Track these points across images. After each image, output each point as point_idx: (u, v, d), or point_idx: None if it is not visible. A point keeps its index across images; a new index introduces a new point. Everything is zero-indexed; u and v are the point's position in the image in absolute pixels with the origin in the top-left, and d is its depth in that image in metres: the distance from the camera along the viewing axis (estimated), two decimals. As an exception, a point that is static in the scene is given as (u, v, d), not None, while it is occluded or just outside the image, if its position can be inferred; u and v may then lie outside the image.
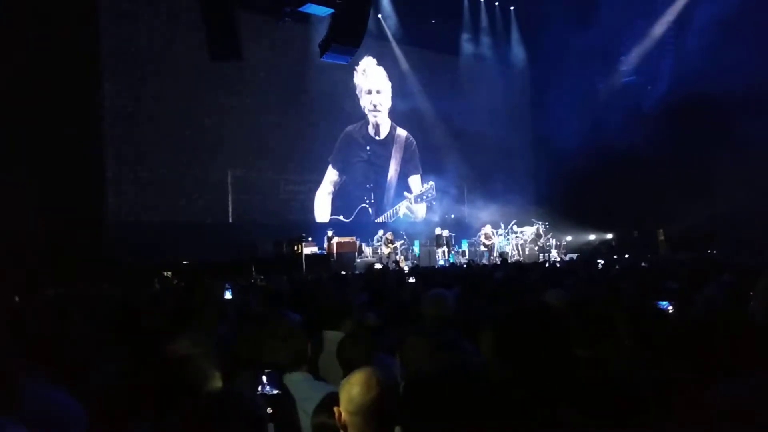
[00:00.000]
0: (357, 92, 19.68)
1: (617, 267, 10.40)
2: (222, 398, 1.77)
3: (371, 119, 19.98)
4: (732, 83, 14.62)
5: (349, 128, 19.49)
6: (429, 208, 20.46)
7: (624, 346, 2.56)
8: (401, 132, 20.63)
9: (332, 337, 3.63)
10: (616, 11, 17.65)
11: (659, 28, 19.44)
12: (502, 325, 1.90)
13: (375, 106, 19.97)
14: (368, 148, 19.94)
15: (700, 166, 17.67)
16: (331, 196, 18.78)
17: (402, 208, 20.34)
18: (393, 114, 20.45)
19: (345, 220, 18.77)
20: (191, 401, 1.75)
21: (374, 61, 19.72)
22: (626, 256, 15.50)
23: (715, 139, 16.99)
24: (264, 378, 2.42)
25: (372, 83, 19.84)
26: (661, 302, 3.58)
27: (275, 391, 2.42)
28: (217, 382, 2.54)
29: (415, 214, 20.41)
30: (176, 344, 2.55)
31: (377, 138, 20.16)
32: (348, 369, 2.81)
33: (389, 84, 20.30)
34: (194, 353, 2.51)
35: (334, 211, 18.80)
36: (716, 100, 15.56)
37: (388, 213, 20.11)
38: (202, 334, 2.71)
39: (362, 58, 18.24)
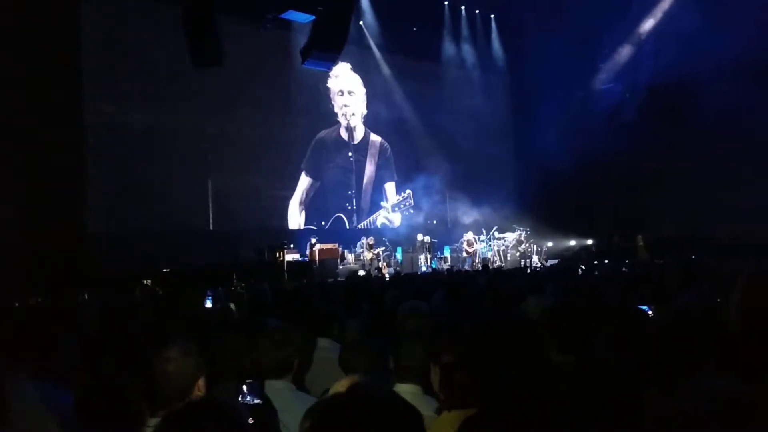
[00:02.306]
0: (330, 96, 19.65)
1: (596, 273, 10.48)
2: (204, 406, 1.76)
3: (343, 121, 19.90)
4: (710, 90, 14.82)
5: (322, 134, 19.38)
6: (406, 217, 20.41)
7: (603, 351, 2.58)
8: (375, 138, 20.60)
9: (324, 344, 3.64)
10: (595, 19, 17.84)
11: (637, 35, 19.71)
12: (464, 344, 1.90)
13: (346, 105, 19.89)
14: (342, 153, 19.86)
15: (678, 172, 17.90)
16: (304, 205, 18.67)
17: (380, 217, 20.32)
18: (374, 120, 20.44)
19: (314, 228, 18.57)
20: (174, 409, 1.74)
21: (348, 66, 19.71)
22: (606, 261, 15.62)
23: (694, 146, 17.23)
24: (245, 387, 2.40)
25: (343, 84, 19.80)
26: (641, 306, 3.62)
27: (256, 401, 2.41)
28: (201, 391, 2.53)
29: (392, 223, 20.40)
30: (165, 352, 2.54)
31: (351, 143, 20.12)
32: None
33: (363, 89, 20.25)
34: (183, 362, 2.50)
35: (309, 219, 18.67)
36: (694, 107, 15.77)
37: (366, 222, 20.08)
38: (189, 343, 2.70)
39: (338, 64, 18.23)
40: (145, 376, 2.56)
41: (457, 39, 21.89)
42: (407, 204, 20.11)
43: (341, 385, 2.07)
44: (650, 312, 3.54)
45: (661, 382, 1.83)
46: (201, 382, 2.53)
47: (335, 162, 19.64)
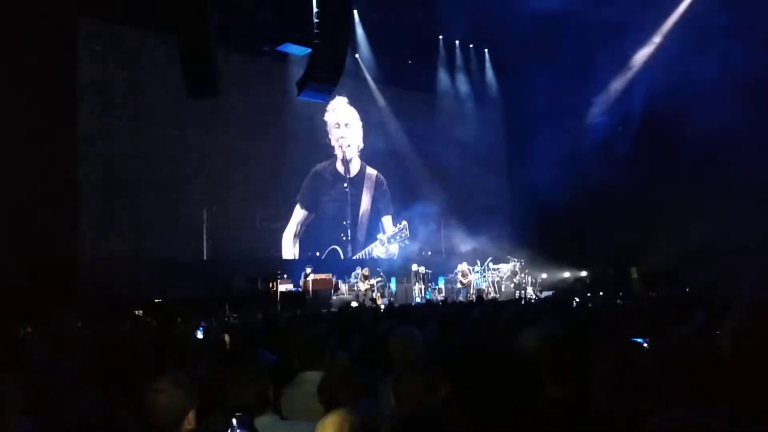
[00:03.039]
0: (327, 129, 19.75)
1: (590, 304, 10.43)
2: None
3: (339, 154, 19.98)
4: (704, 121, 14.94)
5: (318, 167, 19.43)
6: (402, 248, 20.40)
7: (599, 384, 2.55)
8: (371, 171, 20.68)
9: (311, 377, 3.57)
10: (588, 52, 18.10)
11: (630, 67, 19.96)
12: (458, 372, 1.88)
13: (343, 138, 19.99)
14: (338, 185, 19.89)
15: (673, 204, 17.98)
16: (298, 238, 18.60)
17: (376, 249, 20.29)
18: (370, 152, 20.54)
19: (309, 255, 18.51)
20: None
21: (345, 99, 19.88)
22: (601, 293, 15.58)
23: (687, 178, 17.34)
24: (234, 421, 2.36)
25: (339, 117, 19.92)
26: (636, 339, 3.59)
27: (246, 434, 2.36)
28: (191, 424, 2.48)
29: (389, 253, 20.36)
30: (157, 384, 2.50)
31: (347, 176, 20.17)
32: (330, 409, 2.76)
33: (360, 123, 20.38)
34: (174, 393, 2.46)
35: (303, 251, 18.58)
36: (688, 139, 15.90)
37: (362, 254, 20.04)
38: (182, 374, 2.66)
39: (335, 97, 18.39)
40: (136, 406, 2.52)
41: (451, 72, 22.18)
42: (403, 236, 20.12)
43: (330, 421, 2.03)
44: (645, 344, 3.51)
45: (655, 413, 1.80)
46: (191, 415, 2.48)
47: (331, 195, 19.65)
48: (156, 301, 13.13)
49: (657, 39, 19.25)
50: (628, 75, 20.03)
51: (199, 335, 6.33)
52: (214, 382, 3.11)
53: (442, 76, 22.05)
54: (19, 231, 12.17)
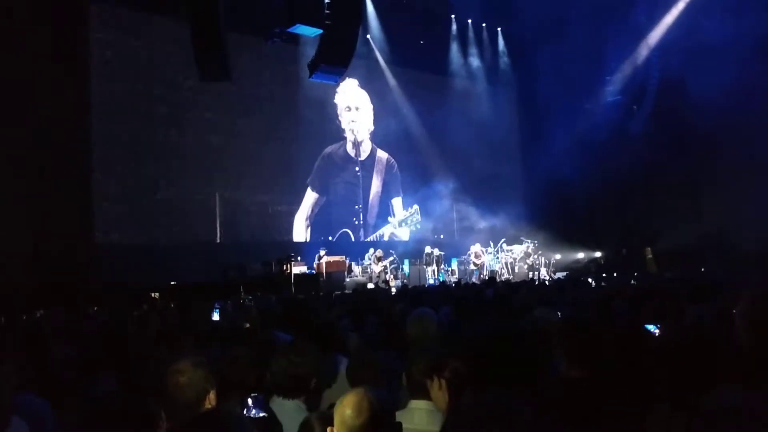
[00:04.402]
0: (338, 111, 19.68)
1: (603, 284, 10.42)
2: (218, 418, 1.76)
3: (350, 137, 19.92)
4: (718, 100, 14.75)
5: (328, 149, 19.40)
6: (414, 232, 20.41)
7: (615, 366, 2.57)
8: (382, 154, 20.63)
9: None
10: (601, 31, 17.87)
11: (644, 47, 19.69)
12: (473, 353, 1.90)
13: (354, 121, 19.93)
14: (349, 168, 19.87)
15: (687, 184, 17.82)
16: (310, 221, 18.64)
17: (387, 233, 20.30)
18: (382, 133, 20.47)
19: (322, 239, 18.56)
20: (186, 420, 1.75)
21: (356, 82, 19.79)
22: (615, 274, 15.53)
23: (702, 158, 17.17)
24: (250, 401, 2.40)
25: (350, 101, 19.85)
26: (648, 325, 3.59)
27: (261, 414, 2.40)
28: (212, 403, 2.52)
29: (400, 238, 20.38)
30: (176, 365, 2.54)
31: (358, 158, 20.14)
32: None
33: (370, 106, 20.30)
34: (195, 374, 2.50)
35: (315, 234, 18.61)
36: (701, 119, 15.73)
37: (373, 237, 20.05)
38: (200, 356, 2.70)
39: (345, 80, 18.30)
40: (153, 388, 2.57)
41: (464, 52, 22.00)
42: (414, 220, 20.11)
43: (348, 400, 2.06)
44: (657, 330, 3.51)
45: (671, 398, 1.81)
46: (212, 395, 2.52)
47: (342, 177, 19.64)
48: (172, 284, 13.27)
49: (672, 16, 18.94)
50: (642, 52, 19.76)
51: (215, 317, 6.40)
52: (231, 363, 3.15)
53: (455, 56, 21.87)
54: (33, 217, 12.30)
